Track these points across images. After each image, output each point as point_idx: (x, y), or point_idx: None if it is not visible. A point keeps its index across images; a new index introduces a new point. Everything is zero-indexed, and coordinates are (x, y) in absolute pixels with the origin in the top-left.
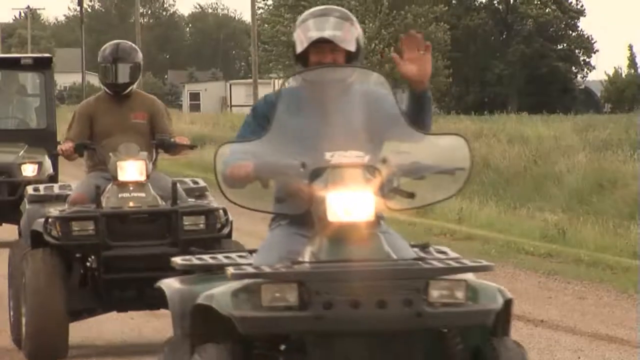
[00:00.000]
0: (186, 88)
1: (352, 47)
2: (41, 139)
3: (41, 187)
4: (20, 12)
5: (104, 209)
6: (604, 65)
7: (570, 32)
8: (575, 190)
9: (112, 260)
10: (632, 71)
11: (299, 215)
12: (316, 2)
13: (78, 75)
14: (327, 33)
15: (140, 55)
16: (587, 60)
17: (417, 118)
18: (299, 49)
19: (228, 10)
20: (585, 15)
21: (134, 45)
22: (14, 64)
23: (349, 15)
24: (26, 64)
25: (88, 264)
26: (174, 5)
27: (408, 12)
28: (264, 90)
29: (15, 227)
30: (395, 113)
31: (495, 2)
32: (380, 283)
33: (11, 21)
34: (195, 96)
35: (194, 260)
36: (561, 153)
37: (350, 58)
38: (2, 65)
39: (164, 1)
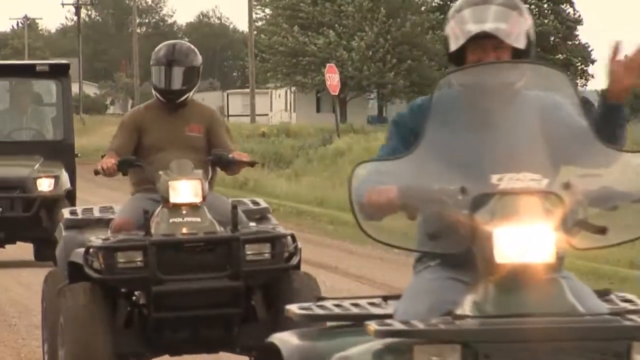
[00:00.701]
0: None
1: (520, 44)
2: (58, 152)
3: (78, 210)
4: (17, 22)
5: (153, 236)
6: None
7: (568, 41)
8: None
9: (163, 296)
10: None
11: (456, 255)
12: (314, 11)
13: (75, 85)
14: (489, 26)
15: (199, 58)
16: (585, 69)
17: (607, 131)
18: (453, 46)
19: (223, 19)
20: (582, 25)
21: (192, 46)
22: (28, 71)
23: (516, 3)
24: (42, 71)
25: (135, 299)
26: (171, 16)
27: (406, 20)
28: (260, 100)
29: (31, 245)
30: (580, 125)
31: None
32: (568, 345)
33: (8, 30)
34: None
35: (315, 309)
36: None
37: (518, 57)
38: (16, 72)
39: (161, 12)
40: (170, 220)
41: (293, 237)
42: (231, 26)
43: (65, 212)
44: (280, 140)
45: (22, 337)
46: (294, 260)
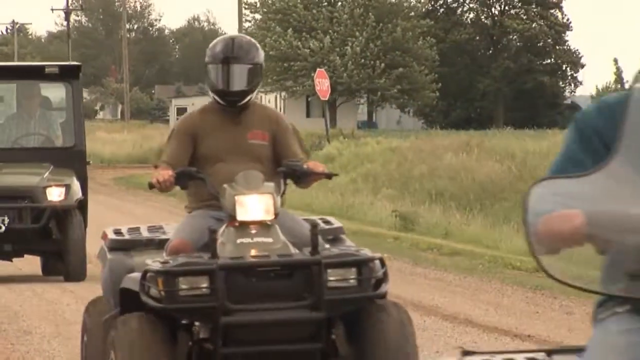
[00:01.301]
0: (173, 103)
1: None
2: (68, 159)
3: (123, 229)
4: (7, 28)
5: (220, 258)
6: (593, 80)
7: (557, 46)
8: None
9: (232, 329)
10: (619, 86)
11: None
12: (308, 16)
13: None
14: None
15: (261, 54)
16: (575, 75)
17: None
18: None
19: (213, 24)
20: (571, 30)
21: (252, 40)
22: (36, 73)
23: None
24: (51, 72)
25: (196, 332)
26: (159, 20)
27: (397, 25)
28: None
29: (38, 258)
30: None
31: (482, 17)
32: None
33: None
34: (182, 111)
35: None
36: (547, 168)
37: None
38: (23, 74)
39: (149, 17)
40: (238, 241)
41: (382, 261)
42: (221, 31)
43: (109, 232)
44: None
45: (11, 343)
46: (383, 288)
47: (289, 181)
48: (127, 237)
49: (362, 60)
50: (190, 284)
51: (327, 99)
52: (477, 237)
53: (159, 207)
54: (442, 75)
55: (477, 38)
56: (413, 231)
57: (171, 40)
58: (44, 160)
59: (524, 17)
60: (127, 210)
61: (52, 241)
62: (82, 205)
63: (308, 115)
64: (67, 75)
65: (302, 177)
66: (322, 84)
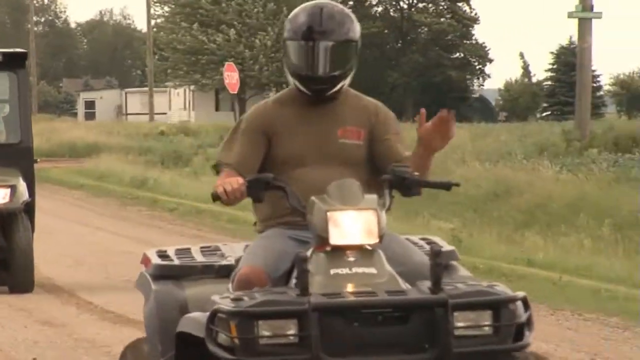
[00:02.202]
0: (81, 96)
1: None
2: (13, 157)
3: (170, 251)
4: None
5: (312, 295)
6: (501, 74)
7: (465, 41)
8: (470, 198)
9: None
10: (526, 80)
11: None
12: (215, 10)
13: None
14: None
15: (357, 27)
16: (482, 68)
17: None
18: None
19: (123, 17)
20: (479, 23)
21: (345, 9)
22: None
23: None
24: None
25: None
26: (65, 13)
27: None
28: (159, 99)
29: None
30: None
31: (391, 10)
32: None
33: None
34: (90, 104)
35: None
36: (456, 162)
37: None
38: None
39: (56, 9)
40: (331, 272)
41: (525, 301)
42: (130, 23)
43: (152, 255)
44: (179, 139)
45: None
46: (527, 338)
47: (394, 192)
48: (176, 262)
49: (273, 55)
50: (273, 330)
51: (236, 92)
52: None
53: (68, 201)
54: None
55: (386, 32)
56: None
57: (78, 34)
58: None
59: (433, 11)
60: (80, 217)
61: None
62: (29, 208)
63: (217, 109)
64: (11, 63)
65: (413, 187)
66: (231, 77)
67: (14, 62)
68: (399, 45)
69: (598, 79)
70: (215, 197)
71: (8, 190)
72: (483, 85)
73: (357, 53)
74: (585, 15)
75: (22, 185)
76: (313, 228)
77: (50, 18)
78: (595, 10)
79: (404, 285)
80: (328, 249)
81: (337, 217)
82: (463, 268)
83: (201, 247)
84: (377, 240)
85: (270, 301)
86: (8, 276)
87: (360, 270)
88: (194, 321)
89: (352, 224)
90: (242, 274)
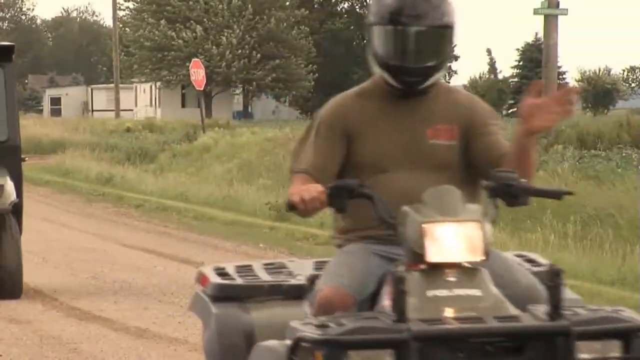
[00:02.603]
0: (47, 93)
1: None
2: (1, 155)
3: (229, 268)
4: None
5: (411, 322)
6: (468, 70)
7: None
8: None
9: None
10: (492, 76)
11: None
12: (182, 6)
13: None
14: None
15: (454, 10)
16: (449, 65)
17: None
18: None
19: (89, 14)
20: None
21: None
22: None
23: None
24: None
25: None
26: (32, 10)
27: (271, 16)
28: (125, 95)
29: None
30: None
31: (357, 7)
32: None
33: None
34: (56, 101)
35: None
36: None
37: None
38: None
39: (21, 6)
40: (429, 294)
41: None
42: (97, 20)
43: (209, 273)
44: (144, 135)
45: None
46: None
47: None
48: (239, 281)
49: (239, 51)
50: None
51: (202, 89)
52: None
53: (33, 197)
54: (318, 65)
55: (352, 28)
56: (288, 221)
57: (44, 30)
58: None
59: None
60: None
61: None
62: (17, 210)
63: (183, 105)
64: None
65: (521, 196)
66: (197, 74)
67: (0, 56)
68: (365, 41)
69: (564, 75)
70: (291, 207)
71: None
72: (449, 82)
73: (452, 41)
74: (551, 11)
75: (9, 185)
76: (406, 243)
77: (15, 15)
78: (561, 7)
79: (513, 309)
80: (423, 267)
81: (435, 231)
82: (568, 289)
83: (264, 264)
84: (481, 258)
85: (362, 328)
86: None
87: (462, 292)
88: (271, 351)
89: (452, 238)
90: (324, 296)
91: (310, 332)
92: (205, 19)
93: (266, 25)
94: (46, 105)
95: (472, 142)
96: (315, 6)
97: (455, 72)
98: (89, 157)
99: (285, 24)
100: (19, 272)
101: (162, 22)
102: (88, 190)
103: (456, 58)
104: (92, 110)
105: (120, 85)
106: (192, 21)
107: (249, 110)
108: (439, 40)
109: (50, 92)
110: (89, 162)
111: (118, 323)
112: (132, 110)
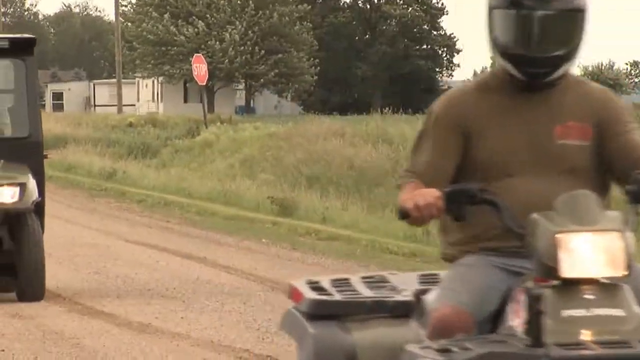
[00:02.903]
0: (49, 88)
1: None
2: (21, 152)
3: (324, 282)
4: None
5: (548, 347)
6: (470, 64)
7: (433, 31)
8: None
9: None
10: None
11: None
12: (183, 2)
13: None
14: None
15: None
16: (451, 59)
17: None
18: None
19: (91, 9)
20: (447, 14)
21: None
22: None
23: None
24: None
25: None
26: (35, 6)
27: (273, 11)
28: (127, 90)
29: None
30: None
31: (359, 1)
32: None
33: None
34: (58, 96)
35: None
36: None
37: None
38: None
39: (24, 1)
40: (564, 313)
41: None
42: (100, 15)
43: (303, 287)
44: (147, 130)
45: None
46: None
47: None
48: (337, 296)
49: (242, 48)
50: None
51: (204, 84)
52: (354, 222)
53: None
54: (320, 60)
55: (354, 23)
56: (291, 216)
57: (46, 25)
58: None
59: (400, 2)
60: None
61: (3, 252)
62: (39, 209)
63: (186, 100)
64: (18, 50)
65: None
66: (199, 69)
67: (21, 49)
68: (367, 36)
69: None
70: (404, 214)
71: (17, 189)
72: (452, 76)
73: (584, 26)
74: None
75: (31, 183)
76: (535, 255)
77: (18, 10)
78: None
79: None
80: (556, 282)
81: (570, 241)
82: None
83: (363, 278)
84: (623, 273)
85: (492, 354)
86: (16, 283)
87: (602, 312)
88: None
89: (589, 250)
90: (441, 315)
91: (432, 357)
92: (207, 15)
93: (268, 20)
94: (48, 100)
95: (607, 143)
96: (318, 1)
97: (458, 66)
98: (91, 152)
99: (287, 19)
100: (41, 275)
101: (166, 16)
102: (90, 185)
103: (458, 52)
104: (95, 105)
105: (123, 81)
106: (194, 17)
107: (251, 105)
108: (568, 26)
109: (53, 87)
110: (92, 157)
111: (120, 318)
112: (134, 105)
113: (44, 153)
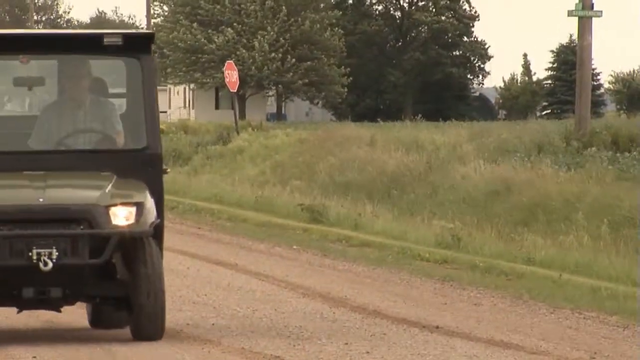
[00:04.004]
0: None
1: None
2: (138, 166)
3: None
4: None
5: None
6: (500, 71)
7: (465, 38)
8: (470, 197)
9: None
10: (527, 78)
11: None
12: (214, 9)
13: None
14: None
15: None
16: (482, 66)
17: None
18: None
19: (124, 16)
20: (479, 20)
21: None
22: (91, 45)
23: None
24: (112, 44)
25: None
26: (69, 13)
27: (305, 18)
28: (159, 97)
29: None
30: None
31: (391, 9)
32: None
33: None
34: None
35: None
36: (456, 160)
37: None
38: (71, 47)
39: (59, 8)
40: None
41: None
42: (133, 22)
43: None
44: (178, 137)
45: None
46: None
47: None
48: None
49: (272, 55)
50: None
51: (236, 91)
52: (386, 228)
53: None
54: (351, 67)
55: (386, 30)
56: (322, 223)
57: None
58: (102, 168)
59: (432, 9)
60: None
61: (116, 282)
62: (158, 232)
63: (217, 107)
64: (133, 47)
65: None
66: (231, 75)
67: (137, 46)
68: (399, 43)
69: (598, 77)
70: None
71: (133, 210)
72: (483, 84)
73: None
74: (585, 13)
75: (149, 203)
76: None
77: (52, 17)
78: (595, 8)
79: None
80: None
81: None
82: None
83: None
84: None
85: None
86: (131, 319)
87: None
88: None
89: None
90: None
91: None
92: (236, 22)
93: (300, 27)
94: None
95: None
96: (349, 8)
97: (489, 74)
98: None
99: (318, 26)
100: (160, 308)
101: (195, 24)
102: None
103: (489, 58)
104: None
105: None
106: (224, 25)
107: (283, 112)
108: None
109: None
110: None
111: None
112: (165, 112)
113: (164, 167)
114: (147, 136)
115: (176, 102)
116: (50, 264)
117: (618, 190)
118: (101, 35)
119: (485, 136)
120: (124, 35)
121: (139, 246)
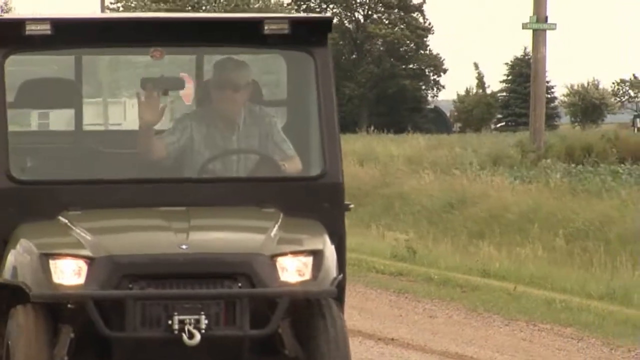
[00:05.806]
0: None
1: None
2: (310, 200)
3: None
4: None
5: None
6: (455, 84)
7: (420, 51)
8: (425, 209)
9: None
10: (481, 90)
11: None
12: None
13: None
14: None
15: None
16: (437, 79)
17: None
18: None
19: None
20: (433, 33)
21: None
22: (245, 37)
23: None
24: (274, 33)
25: None
26: None
27: None
28: (113, 109)
29: None
30: None
31: (345, 22)
32: None
33: None
34: (44, 115)
35: None
36: (410, 172)
37: None
38: (218, 38)
39: None
40: None
41: None
42: None
43: None
44: None
45: None
46: None
47: None
48: None
49: None
50: None
51: (191, 103)
52: None
53: None
54: None
55: (341, 43)
56: None
57: None
58: (263, 202)
59: (387, 22)
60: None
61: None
62: (340, 291)
63: None
64: (304, 38)
65: None
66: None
67: (310, 36)
68: (354, 56)
69: (552, 90)
70: None
71: (308, 261)
72: (437, 96)
73: None
74: (539, 26)
75: (329, 251)
76: None
77: None
78: (549, 21)
79: None
80: None
81: None
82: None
83: None
84: None
85: None
86: None
87: None
88: None
89: None
90: None
91: None
92: None
93: None
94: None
95: None
96: None
97: (443, 87)
98: None
99: None
100: None
101: None
102: None
103: (444, 71)
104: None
105: (109, 100)
106: None
107: None
108: None
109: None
110: None
111: None
112: (120, 124)
113: (347, 203)
114: (324, 160)
115: (131, 115)
116: (198, 336)
117: (572, 203)
118: (260, 21)
119: (440, 148)
120: (292, 21)
121: (316, 311)
